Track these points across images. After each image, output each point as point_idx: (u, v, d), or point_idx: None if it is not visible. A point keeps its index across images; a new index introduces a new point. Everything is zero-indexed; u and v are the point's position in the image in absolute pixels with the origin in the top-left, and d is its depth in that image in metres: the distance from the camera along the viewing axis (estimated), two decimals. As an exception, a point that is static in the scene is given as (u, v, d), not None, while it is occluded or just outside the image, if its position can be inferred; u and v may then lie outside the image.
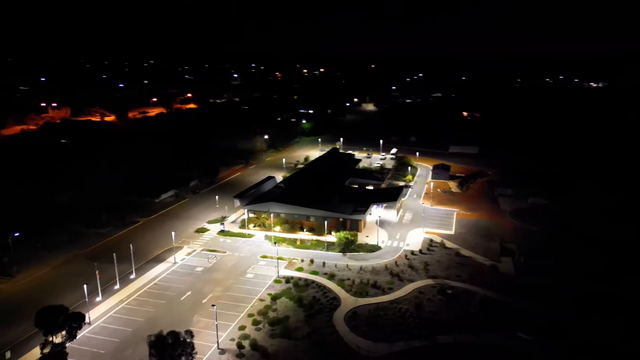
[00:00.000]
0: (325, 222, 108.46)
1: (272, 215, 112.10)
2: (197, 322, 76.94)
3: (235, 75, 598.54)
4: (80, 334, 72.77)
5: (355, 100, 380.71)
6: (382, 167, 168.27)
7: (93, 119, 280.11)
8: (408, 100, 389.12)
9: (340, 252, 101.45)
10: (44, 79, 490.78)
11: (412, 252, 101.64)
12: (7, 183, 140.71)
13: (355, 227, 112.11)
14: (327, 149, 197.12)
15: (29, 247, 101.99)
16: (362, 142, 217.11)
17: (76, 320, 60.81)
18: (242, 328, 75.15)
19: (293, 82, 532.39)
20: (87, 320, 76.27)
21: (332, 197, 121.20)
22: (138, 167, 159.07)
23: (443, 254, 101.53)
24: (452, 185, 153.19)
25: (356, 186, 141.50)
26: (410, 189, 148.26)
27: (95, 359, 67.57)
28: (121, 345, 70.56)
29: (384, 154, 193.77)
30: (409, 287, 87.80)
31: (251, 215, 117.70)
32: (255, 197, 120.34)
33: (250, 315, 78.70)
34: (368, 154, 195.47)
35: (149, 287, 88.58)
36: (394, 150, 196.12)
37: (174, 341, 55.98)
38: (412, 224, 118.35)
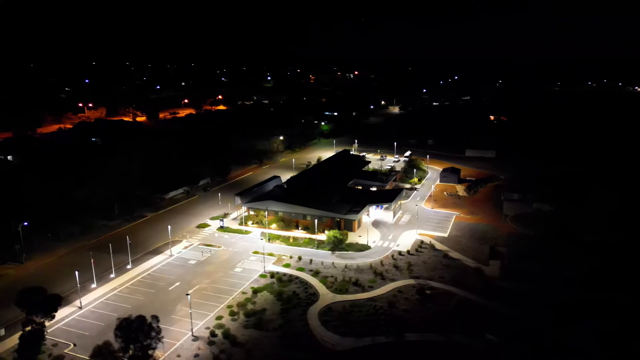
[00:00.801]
0: (316, 220, 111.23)
1: (266, 213, 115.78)
2: (179, 311, 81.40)
3: (269, 78, 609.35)
4: (70, 317, 79.44)
5: (383, 102, 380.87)
6: (391, 170, 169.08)
7: (125, 119, 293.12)
8: (435, 104, 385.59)
9: (330, 250, 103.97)
10: (87, 81, 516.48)
11: (400, 253, 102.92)
12: (35, 177, 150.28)
13: (349, 226, 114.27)
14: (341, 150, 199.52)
15: (41, 237, 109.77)
16: (379, 145, 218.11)
17: (53, 301, 65.99)
18: (219, 318, 79.04)
19: (323, 85, 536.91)
20: (78, 304, 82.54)
21: (331, 197, 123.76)
22: (155, 165, 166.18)
23: (431, 256, 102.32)
24: (460, 189, 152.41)
25: (360, 187, 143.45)
26: (415, 192, 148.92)
27: (78, 339, 72.79)
28: (105, 329, 75.42)
29: (397, 156, 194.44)
30: (389, 286, 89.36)
31: (251, 212, 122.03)
32: (255, 195, 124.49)
33: (229, 306, 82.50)
34: (382, 157, 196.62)
35: (143, 276, 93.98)
36: (407, 153, 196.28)
37: (138, 324, 60.16)
38: (408, 226, 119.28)
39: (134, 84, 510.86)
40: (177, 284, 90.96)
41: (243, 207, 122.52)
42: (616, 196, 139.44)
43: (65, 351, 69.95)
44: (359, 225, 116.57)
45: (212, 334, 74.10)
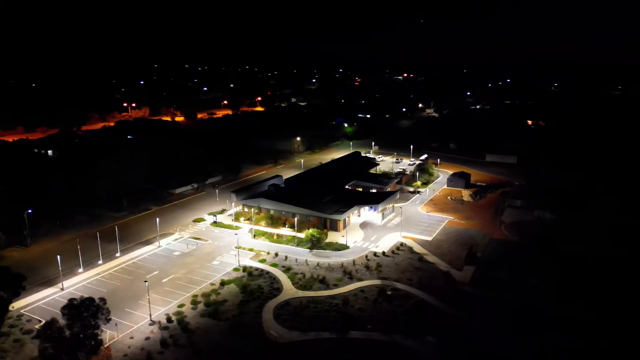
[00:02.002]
0: (296, 219, 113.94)
1: (253, 210, 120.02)
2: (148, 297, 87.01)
3: (314, 80, 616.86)
4: (50, 297, 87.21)
5: (420, 105, 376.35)
6: (398, 173, 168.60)
7: (165, 118, 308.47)
8: (474, 107, 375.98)
9: (309, 248, 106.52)
10: (142, 82, 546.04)
11: (375, 254, 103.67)
12: (60, 170, 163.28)
13: (335, 226, 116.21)
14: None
15: (50, 224, 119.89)
16: (400, 148, 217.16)
17: (17, 280, 73.28)
18: (181, 306, 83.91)
19: (368, 87, 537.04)
20: (61, 286, 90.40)
21: (324, 197, 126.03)
22: (169, 162, 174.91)
23: (406, 258, 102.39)
24: (465, 194, 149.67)
25: (360, 189, 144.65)
26: (417, 195, 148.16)
27: (50, 317, 79.75)
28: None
29: (413, 159, 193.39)
30: (353, 285, 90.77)
31: (245, 210, 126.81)
32: (249, 193, 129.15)
33: (194, 296, 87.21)
34: (397, 159, 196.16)
35: (127, 264, 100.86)
36: (424, 156, 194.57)
37: (85, 305, 65.81)
38: (396, 228, 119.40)
39: (185, 85, 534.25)
40: (155, 272, 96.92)
41: (233, 204, 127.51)
42: (618, 205, 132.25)
43: (35, 327, 77.22)
44: (344, 225, 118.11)
45: (169, 320, 78.99)
